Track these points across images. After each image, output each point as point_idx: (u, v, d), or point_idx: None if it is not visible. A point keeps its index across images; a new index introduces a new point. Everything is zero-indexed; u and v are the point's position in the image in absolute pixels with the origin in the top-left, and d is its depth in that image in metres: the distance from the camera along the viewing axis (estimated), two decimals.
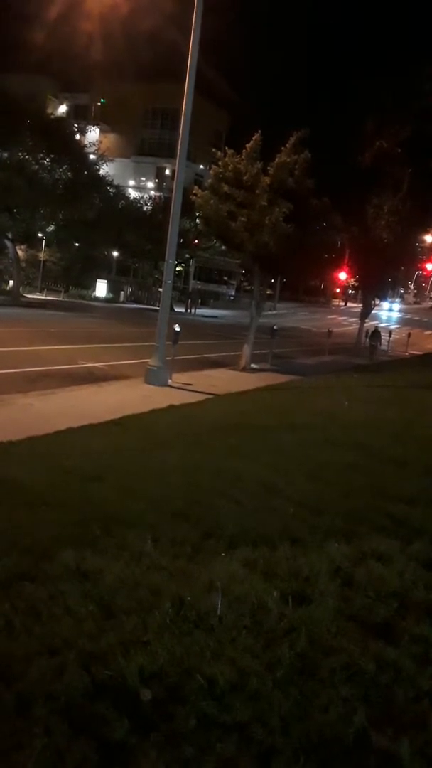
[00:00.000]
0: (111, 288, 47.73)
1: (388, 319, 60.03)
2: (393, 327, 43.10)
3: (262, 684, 2.82)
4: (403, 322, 58.11)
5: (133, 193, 52.74)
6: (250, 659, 2.98)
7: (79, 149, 37.13)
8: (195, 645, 3.04)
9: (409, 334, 34.40)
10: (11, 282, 36.21)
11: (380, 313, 61.08)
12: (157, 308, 15.53)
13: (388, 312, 72.14)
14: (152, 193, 57.70)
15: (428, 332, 51.13)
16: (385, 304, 69.62)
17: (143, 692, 2.70)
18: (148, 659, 2.89)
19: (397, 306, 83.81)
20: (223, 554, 4.14)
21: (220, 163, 16.34)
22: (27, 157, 31.72)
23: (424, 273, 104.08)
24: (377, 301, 35.72)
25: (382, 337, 28.10)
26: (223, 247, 26.03)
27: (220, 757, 2.40)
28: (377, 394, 14.15)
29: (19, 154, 31.42)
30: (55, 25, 37.61)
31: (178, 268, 48.47)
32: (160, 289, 17.64)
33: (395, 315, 70.65)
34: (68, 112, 61.15)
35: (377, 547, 4.48)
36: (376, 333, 27.20)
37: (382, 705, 2.80)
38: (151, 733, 2.48)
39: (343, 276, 56.35)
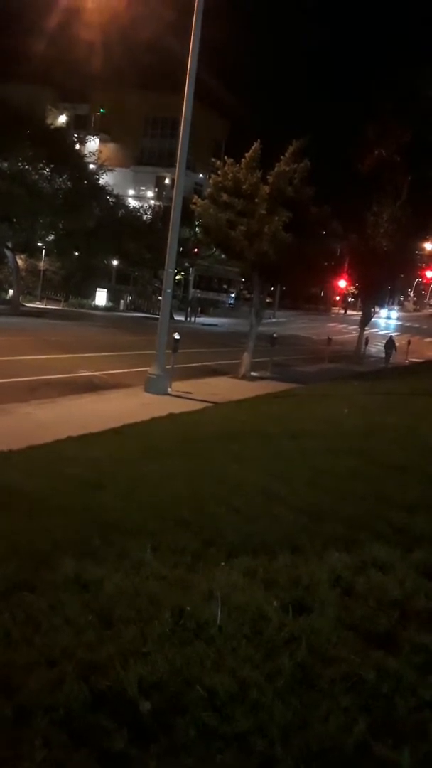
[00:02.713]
0: (111, 297, 47.81)
1: (387, 327, 60.04)
2: (392, 335, 43.14)
3: (262, 694, 2.80)
4: (403, 329, 58.10)
5: (132, 203, 52.82)
6: (250, 669, 2.97)
7: (79, 159, 37.25)
8: (195, 655, 3.03)
9: (408, 342, 34.41)
10: (11, 291, 36.27)
11: (379, 320, 61.12)
12: (157, 316, 15.55)
13: (387, 320, 72.14)
14: (152, 202, 57.84)
15: (428, 339, 51.17)
16: (384, 312, 69.70)
17: (143, 703, 2.68)
18: (148, 670, 2.87)
19: (395, 313, 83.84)
20: (223, 563, 4.13)
21: (219, 172, 16.41)
22: (27, 167, 31.81)
23: (424, 281, 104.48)
24: (376, 309, 35.80)
25: (378, 344, 28.86)
26: (223, 256, 26.12)
27: (220, 767, 2.39)
28: (377, 401, 14.14)
29: (19, 164, 31.52)
30: (54, 35, 37.85)
31: (177, 277, 48.57)
32: (160, 298, 17.66)
33: (394, 323, 70.66)
34: (68, 122, 61.39)
35: (378, 555, 4.47)
36: (390, 341, 28.58)
37: (383, 715, 2.78)
38: (151, 744, 2.46)
39: (342, 284, 56.53)
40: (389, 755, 2.53)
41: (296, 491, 6.00)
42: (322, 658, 3.14)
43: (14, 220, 31.98)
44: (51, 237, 35.92)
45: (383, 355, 29.67)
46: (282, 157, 16.34)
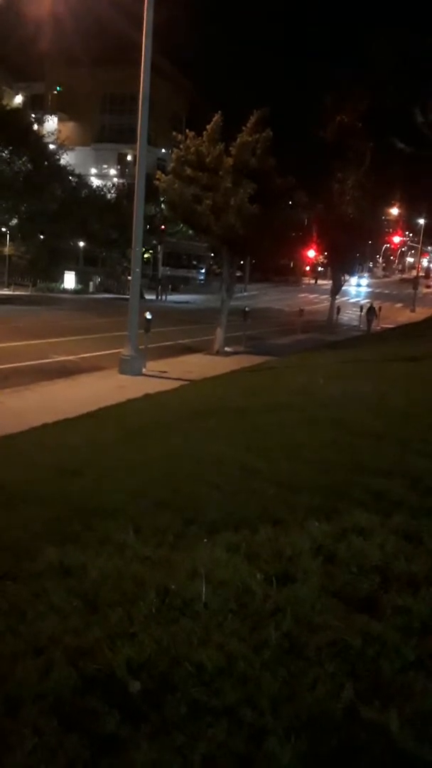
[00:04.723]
0: (79, 279, 47.22)
1: (357, 294, 60.29)
2: (363, 302, 43.31)
3: (249, 666, 2.83)
4: (373, 296, 58.41)
5: (95, 182, 52.06)
6: (237, 642, 2.99)
7: (38, 139, 36.55)
8: (181, 632, 3.04)
9: (379, 308, 34.62)
10: None
11: (349, 288, 61.32)
12: (128, 297, 15.41)
13: (357, 287, 72.42)
14: (115, 180, 56.95)
15: (399, 305, 51.52)
16: (354, 279, 69.96)
17: (132, 683, 2.70)
18: (136, 650, 2.88)
19: (365, 281, 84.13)
20: (205, 540, 4.14)
21: (181, 146, 16.22)
22: None
23: (392, 246, 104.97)
24: (346, 277, 35.95)
25: (349, 313, 29.45)
26: (191, 232, 25.92)
27: (211, 741, 2.41)
28: (351, 369, 14.24)
29: None
30: (4, 12, 36.72)
31: (146, 255, 48.14)
32: (129, 278, 17.52)
33: (364, 290, 70.98)
34: (24, 102, 59.86)
35: (357, 521, 4.52)
36: (371, 309, 29.54)
37: (369, 678, 2.83)
38: (142, 724, 2.48)
39: (311, 254, 56.50)
40: (377, 717, 2.58)
41: (275, 464, 6.03)
42: (307, 627, 3.17)
43: None
44: (14, 221, 35.35)
45: (355, 323, 29.93)
46: (244, 128, 16.18)
